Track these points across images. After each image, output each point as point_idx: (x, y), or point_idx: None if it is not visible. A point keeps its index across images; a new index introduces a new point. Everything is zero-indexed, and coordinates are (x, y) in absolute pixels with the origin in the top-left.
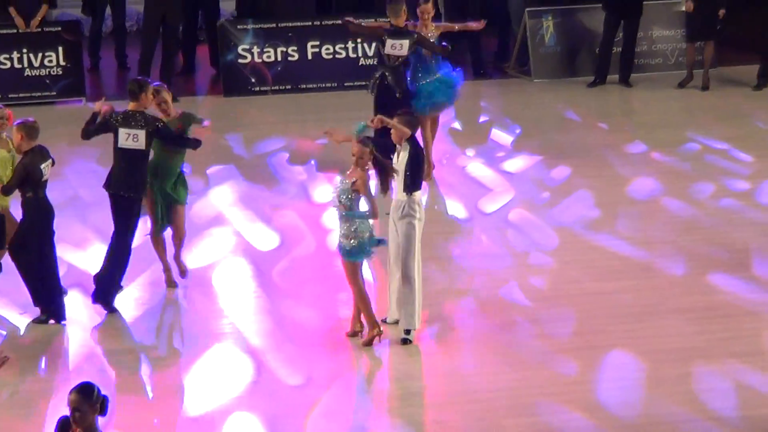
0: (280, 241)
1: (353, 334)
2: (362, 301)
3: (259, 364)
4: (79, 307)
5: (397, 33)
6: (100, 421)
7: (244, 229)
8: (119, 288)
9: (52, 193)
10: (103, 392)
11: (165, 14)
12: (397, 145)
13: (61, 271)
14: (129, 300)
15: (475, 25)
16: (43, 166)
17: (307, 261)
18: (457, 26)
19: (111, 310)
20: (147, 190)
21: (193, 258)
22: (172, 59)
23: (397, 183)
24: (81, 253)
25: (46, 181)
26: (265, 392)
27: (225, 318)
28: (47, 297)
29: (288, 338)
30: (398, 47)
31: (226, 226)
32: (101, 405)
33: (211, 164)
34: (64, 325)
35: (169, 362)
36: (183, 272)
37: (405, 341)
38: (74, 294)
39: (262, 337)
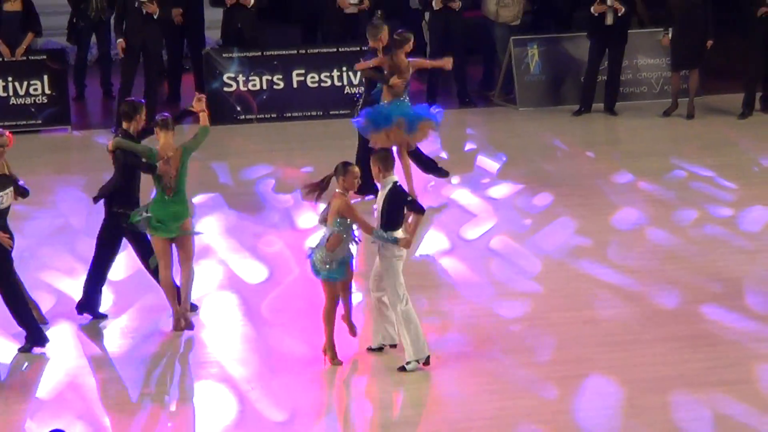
0: (266, 270)
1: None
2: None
3: (242, 398)
4: (66, 336)
5: (366, 53)
6: None
7: (229, 258)
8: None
9: (41, 222)
10: None
11: (144, 42)
12: (378, 184)
13: (51, 300)
14: (115, 329)
15: (442, 62)
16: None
17: (294, 290)
18: (428, 63)
19: (96, 316)
20: None
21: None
22: (155, 87)
23: (376, 220)
24: (70, 282)
25: (5, 209)
26: (250, 425)
27: (210, 348)
28: (21, 324)
29: (272, 369)
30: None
31: (212, 256)
32: None
33: (197, 193)
34: (44, 353)
35: (154, 394)
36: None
37: (402, 369)
38: (63, 323)
39: (247, 368)
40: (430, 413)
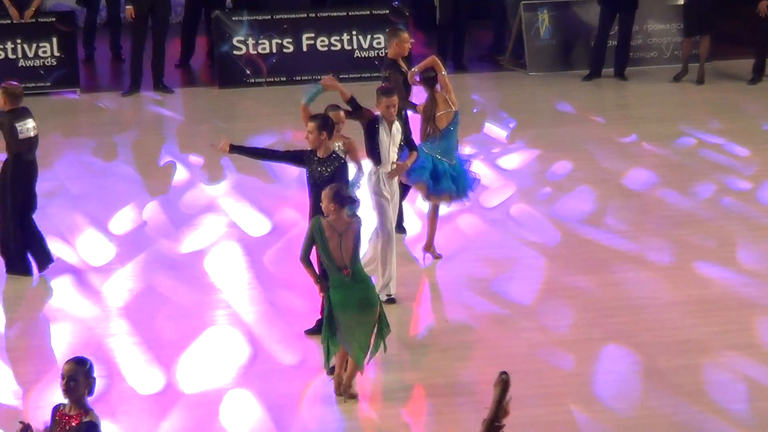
0: (271, 228)
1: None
2: None
3: (253, 350)
4: (66, 296)
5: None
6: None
7: (237, 217)
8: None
9: (41, 185)
10: (95, 372)
11: (153, 6)
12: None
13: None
14: (122, 289)
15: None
16: None
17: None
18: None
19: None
20: None
21: (185, 246)
22: (162, 50)
23: (391, 150)
24: (66, 246)
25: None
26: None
27: (218, 304)
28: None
29: (284, 324)
30: None
31: (219, 215)
32: (90, 383)
33: (206, 155)
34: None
35: (162, 348)
36: None
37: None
38: (62, 283)
39: (255, 324)
40: (436, 376)
